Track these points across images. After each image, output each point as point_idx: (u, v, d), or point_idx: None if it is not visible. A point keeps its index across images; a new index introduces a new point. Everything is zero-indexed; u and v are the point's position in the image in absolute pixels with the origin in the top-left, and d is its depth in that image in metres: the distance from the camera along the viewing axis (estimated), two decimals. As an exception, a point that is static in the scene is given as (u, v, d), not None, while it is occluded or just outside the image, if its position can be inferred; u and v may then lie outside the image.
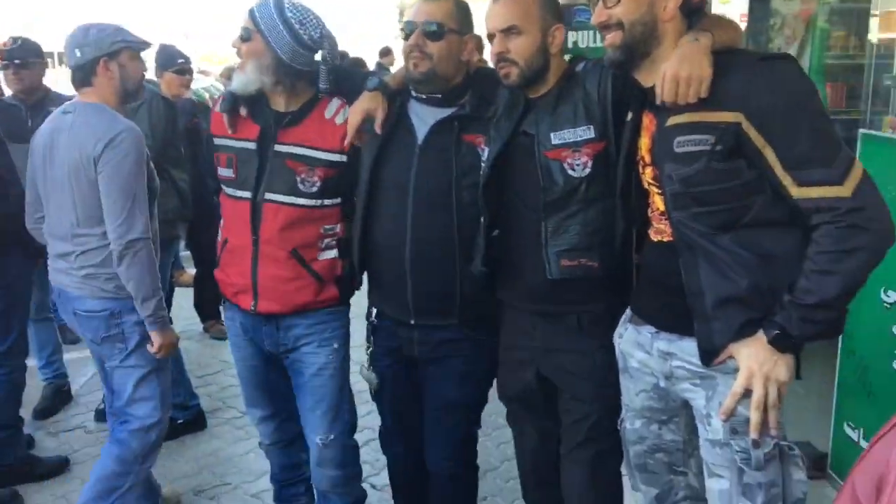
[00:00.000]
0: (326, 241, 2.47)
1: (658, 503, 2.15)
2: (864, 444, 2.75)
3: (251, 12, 2.36)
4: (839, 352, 2.92)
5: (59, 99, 4.07)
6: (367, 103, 2.37)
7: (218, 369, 4.86)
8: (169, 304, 4.79)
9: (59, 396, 4.26)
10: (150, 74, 5.80)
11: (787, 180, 1.71)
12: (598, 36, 3.43)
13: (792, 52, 4.31)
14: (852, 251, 1.69)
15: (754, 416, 1.77)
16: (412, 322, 2.42)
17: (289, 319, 2.51)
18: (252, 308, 2.49)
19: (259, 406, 2.74)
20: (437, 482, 2.59)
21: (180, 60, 4.92)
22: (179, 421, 3.94)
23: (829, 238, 1.70)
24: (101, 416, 4.11)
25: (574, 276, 2.14)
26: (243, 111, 2.45)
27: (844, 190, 1.68)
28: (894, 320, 2.55)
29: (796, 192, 1.71)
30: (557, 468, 2.40)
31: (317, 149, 2.40)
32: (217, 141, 2.51)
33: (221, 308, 2.81)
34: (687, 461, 2.11)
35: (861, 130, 2.74)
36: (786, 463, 1.83)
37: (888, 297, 2.57)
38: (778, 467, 1.82)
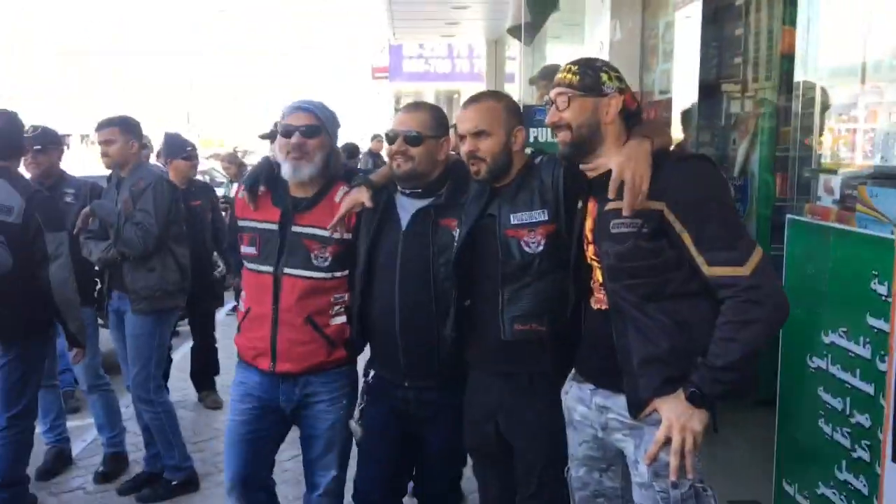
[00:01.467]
0: (336, 308, 2.84)
1: (602, 543, 2.43)
2: (799, 498, 3.01)
3: (312, 111, 2.78)
4: (777, 416, 3.22)
5: (74, 181, 4.45)
6: (355, 196, 2.77)
7: (211, 436, 5.11)
8: (166, 374, 5.09)
9: (60, 459, 4.51)
10: (153, 158, 6.26)
11: (699, 259, 2.07)
12: (550, 132, 3.88)
13: (745, 144, 4.74)
14: (750, 322, 2.03)
15: (673, 461, 2.08)
16: (406, 384, 2.77)
17: (304, 377, 2.85)
18: (270, 368, 2.82)
19: (231, 465, 2.96)
20: (433, 501, 2.99)
21: (188, 148, 5.37)
22: (174, 482, 4.18)
23: (731, 310, 2.04)
24: (98, 477, 4.36)
25: (525, 338, 2.47)
26: (261, 189, 2.84)
27: (745, 270, 2.03)
28: (819, 384, 2.85)
29: (707, 270, 2.06)
30: None
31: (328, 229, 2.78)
32: (241, 223, 2.89)
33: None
34: (626, 506, 2.40)
35: (788, 215, 3.11)
36: (700, 501, 2.12)
37: (812, 363, 2.88)
38: (694, 505, 2.11)
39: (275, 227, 2.82)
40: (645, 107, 4.94)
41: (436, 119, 2.77)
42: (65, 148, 4.72)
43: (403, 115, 2.77)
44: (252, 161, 12.11)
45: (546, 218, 2.47)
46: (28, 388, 3.67)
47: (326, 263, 2.79)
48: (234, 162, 9.13)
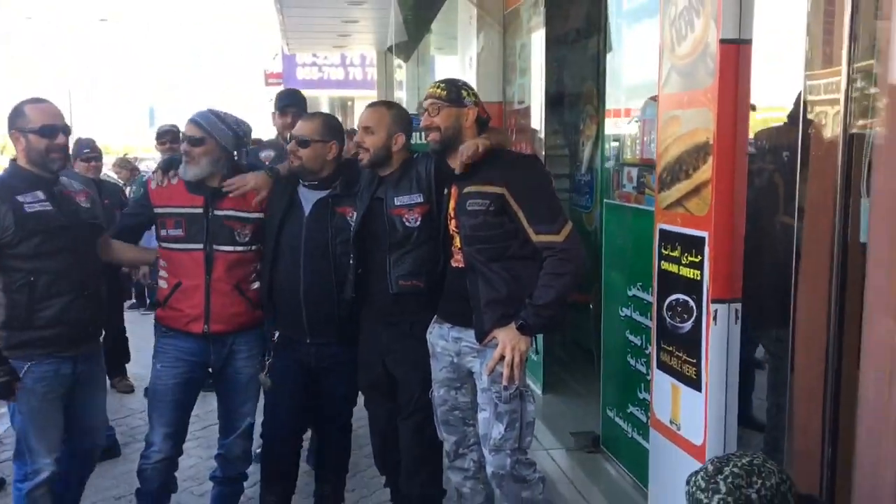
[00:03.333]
0: (254, 275, 3.48)
1: (457, 447, 3.20)
2: (618, 420, 3.87)
3: (196, 123, 3.36)
4: (602, 359, 4.08)
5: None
6: (258, 181, 3.44)
7: (127, 414, 5.64)
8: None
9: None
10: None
11: (529, 230, 2.87)
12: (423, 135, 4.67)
13: (589, 146, 5.64)
14: (562, 274, 2.85)
15: (505, 371, 2.87)
16: (308, 340, 3.45)
17: (232, 337, 3.45)
18: (204, 330, 3.37)
19: (164, 424, 3.42)
20: (331, 436, 3.69)
21: (86, 150, 5.82)
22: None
23: (549, 265, 2.86)
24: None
25: (408, 291, 3.21)
26: (172, 175, 3.44)
27: (559, 237, 2.85)
28: (627, 328, 3.71)
29: (534, 237, 2.87)
30: (397, 436, 3.42)
31: (245, 211, 3.42)
32: (162, 210, 3.43)
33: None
34: (474, 417, 3.16)
35: (605, 200, 3.99)
36: (523, 399, 2.93)
37: (622, 312, 3.75)
38: (518, 402, 2.92)
39: (199, 210, 3.40)
40: (508, 114, 5.79)
41: (326, 126, 3.47)
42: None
43: (301, 123, 3.48)
44: (144, 167, 12.44)
45: (421, 200, 3.21)
46: None
47: (247, 239, 3.43)
48: (125, 167, 9.48)
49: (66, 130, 3.21)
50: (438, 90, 3.04)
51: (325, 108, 18.74)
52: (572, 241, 2.86)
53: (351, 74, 17.63)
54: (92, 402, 3.42)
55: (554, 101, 5.51)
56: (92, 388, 3.40)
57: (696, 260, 2.66)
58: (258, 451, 3.76)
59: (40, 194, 3.11)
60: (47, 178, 3.17)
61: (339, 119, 4.22)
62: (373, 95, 15.65)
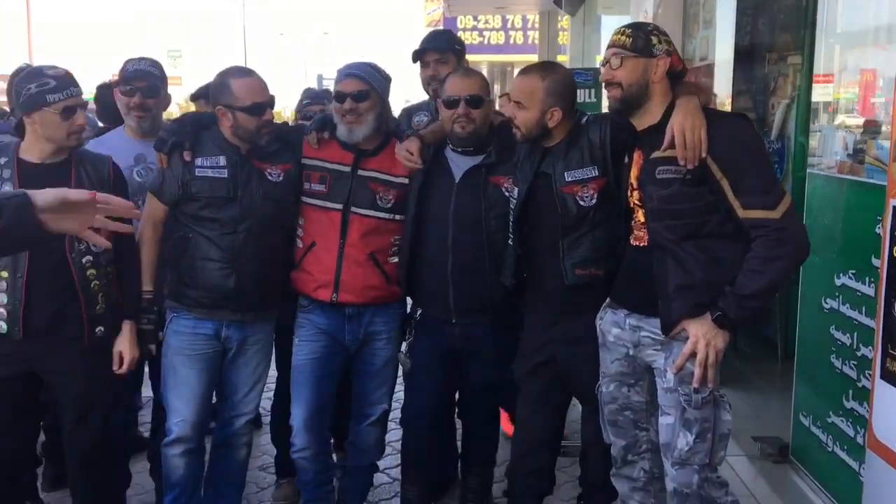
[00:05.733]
0: (394, 248, 3.15)
1: (626, 452, 2.77)
2: (814, 429, 3.31)
3: (359, 76, 3.04)
4: (796, 356, 3.51)
5: None
6: (408, 143, 3.06)
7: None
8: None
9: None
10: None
11: (735, 203, 2.38)
12: (592, 93, 4.17)
13: (782, 109, 4.96)
14: (776, 258, 2.35)
15: (697, 371, 2.41)
16: (454, 321, 3.11)
17: (366, 316, 3.16)
18: (332, 299, 3.09)
19: (310, 404, 3.14)
20: (477, 425, 3.39)
21: None
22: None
23: (762, 247, 2.36)
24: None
25: (585, 282, 2.78)
26: (325, 135, 3.14)
27: (775, 213, 2.35)
28: (831, 323, 3.13)
29: (742, 213, 2.37)
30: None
31: (391, 174, 3.11)
32: (309, 161, 3.14)
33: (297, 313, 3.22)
34: (649, 419, 2.72)
35: (808, 170, 3.38)
36: (718, 407, 2.46)
37: (826, 304, 3.16)
38: (711, 409, 2.45)
39: (347, 168, 3.10)
40: (688, 73, 5.18)
41: (485, 82, 3.11)
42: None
43: (460, 80, 3.05)
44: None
45: (597, 174, 2.75)
46: None
47: (389, 205, 3.11)
48: None
49: (272, 103, 3.08)
50: (622, 37, 2.53)
51: (485, 74, 18.36)
52: (791, 217, 2.35)
53: (512, 38, 17.12)
54: None
55: (743, 57, 4.86)
56: None
57: (951, 247, 2.09)
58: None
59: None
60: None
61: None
62: (533, 59, 15.12)
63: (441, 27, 19.72)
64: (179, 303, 3.08)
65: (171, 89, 3.53)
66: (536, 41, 15.23)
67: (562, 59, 12.67)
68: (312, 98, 4.00)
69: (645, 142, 2.56)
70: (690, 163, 2.39)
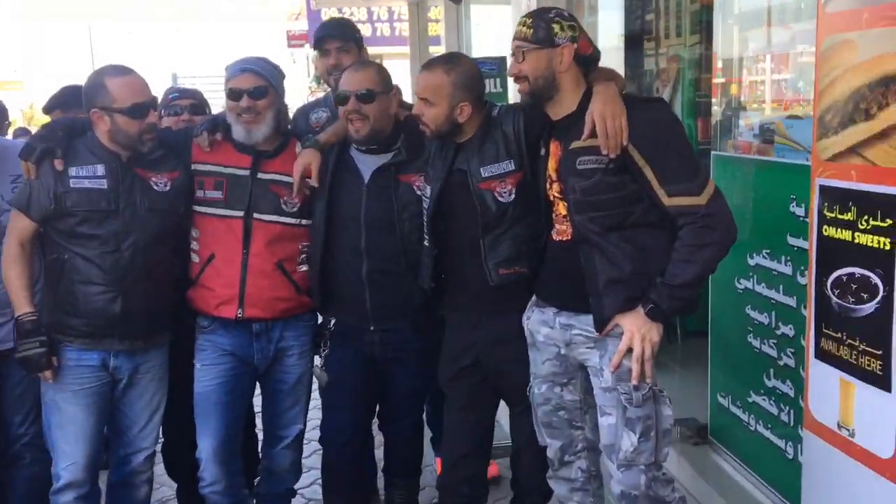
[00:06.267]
0: (302, 255, 2.92)
1: (562, 453, 2.67)
2: (733, 409, 3.33)
3: (255, 71, 2.80)
4: (709, 337, 3.52)
5: None
6: (305, 159, 2.84)
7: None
8: None
9: None
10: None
11: (660, 192, 2.29)
12: (498, 83, 4.06)
13: (667, 92, 5.02)
14: (706, 245, 2.29)
15: (635, 368, 2.32)
16: (372, 328, 2.91)
17: (275, 331, 2.92)
18: (238, 315, 2.84)
19: (217, 433, 2.90)
20: (401, 436, 3.19)
21: None
22: None
23: (689, 235, 2.29)
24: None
25: (510, 281, 2.65)
26: (219, 136, 2.88)
27: (701, 199, 2.28)
28: (746, 303, 3.15)
29: (667, 200, 2.29)
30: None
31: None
32: (201, 167, 2.87)
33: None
34: (583, 417, 2.64)
35: (713, 152, 3.39)
36: (658, 402, 2.39)
37: (740, 284, 3.18)
38: (652, 405, 2.37)
39: (245, 172, 2.85)
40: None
41: (381, 75, 2.89)
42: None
43: (352, 75, 2.85)
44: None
45: (513, 168, 2.63)
46: None
47: (295, 209, 2.88)
48: None
49: (155, 104, 2.79)
50: (524, 28, 2.41)
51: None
52: (717, 202, 2.29)
53: (378, 30, 16.93)
54: None
55: (630, 43, 4.88)
56: None
57: (884, 225, 2.08)
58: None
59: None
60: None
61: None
62: (403, 52, 14.97)
63: (304, 20, 19.27)
64: (59, 333, 2.75)
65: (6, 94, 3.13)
66: (404, 32, 15.09)
67: (434, 50, 12.57)
68: (181, 92, 3.62)
69: (561, 132, 2.46)
70: (612, 151, 2.30)
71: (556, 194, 2.50)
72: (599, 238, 2.35)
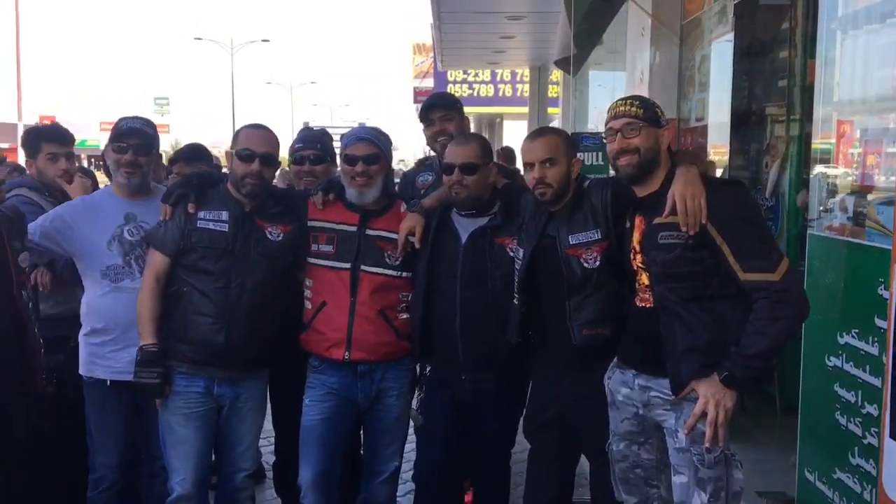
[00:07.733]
0: (402, 304, 3.23)
1: (638, 510, 2.81)
2: (819, 484, 3.35)
3: (370, 140, 3.19)
4: (799, 413, 3.56)
5: None
6: (410, 222, 3.18)
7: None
8: None
9: None
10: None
11: (736, 267, 2.47)
12: (599, 156, 4.29)
13: (775, 167, 5.10)
14: (778, 319, 2.44)
15: (708, 431, 2.48)
16: (463, 377, 3.17)
17: (378, 372, 3.21)
18: (345, 357, 3.14)
19: (318, 464, 3.16)
20: (488, 478, 3.37)
21: None
22: None
23: (763, 309, 2.44)
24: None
25: (592, 342, 2.86)
26: (331, 196, 3.24)
27: (775, 276, 2.44)
28: (835, 380, 3.20)
29: (743, 276, 2.47)
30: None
31: (398, 232, 3.18)
32: (316, 223, 3.24)
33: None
34: (659, 476, 2.78)
35: (808, 232, 3.48)
36: (729, 465, 2.53)
37: (830, 362, 3.23)
38: (723, 468, 2.52)
39: (353, 228, 3.19)
40: (682, 133, 5.34)
41: (483, 148, 3.20)
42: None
43: (456, 148, 3.16)
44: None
45: (599, 237, 2.86)
46: None
47: (398, 263, 3.20)
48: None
49: (268, 158, 3.14)
50: (633, 108, 2.65)
51: (472, 125, 18.70)
52: (791, 279, 2.45)
53: (501, 91, 17.48)
54: None
55: (737, 119, 5.01)
56: None
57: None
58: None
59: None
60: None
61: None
62: (522, 112, 15.39)
63: (430, 79, 20.08)
64: (170, 358, 3.10)
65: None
66: (524, 93, 15.54)
67: (553, 111, 12.94)
68: (304, 142, 3.93)
69: (646, 208, 2.67)
70: (691, 229, 2.49)
71: (639, 265, 2.69)
72: (679, 307, 2.53)
